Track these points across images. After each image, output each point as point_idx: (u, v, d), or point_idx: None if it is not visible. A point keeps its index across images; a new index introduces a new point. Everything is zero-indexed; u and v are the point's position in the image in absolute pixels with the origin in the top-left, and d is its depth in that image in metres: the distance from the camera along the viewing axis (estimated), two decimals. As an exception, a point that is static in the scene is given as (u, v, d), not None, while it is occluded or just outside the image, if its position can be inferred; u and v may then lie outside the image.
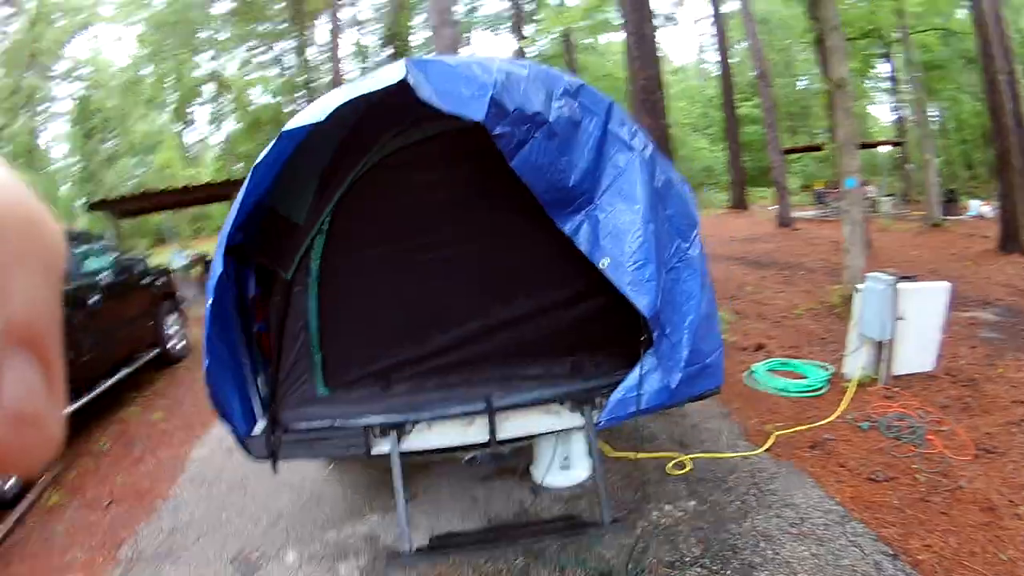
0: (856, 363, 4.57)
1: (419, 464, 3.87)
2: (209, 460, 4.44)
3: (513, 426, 2.66)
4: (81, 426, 4.94)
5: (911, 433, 3.76)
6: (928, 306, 4.36)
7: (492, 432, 2.53)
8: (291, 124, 2.08)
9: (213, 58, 20.40)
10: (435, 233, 2.60)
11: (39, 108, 20.49)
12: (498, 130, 2.01)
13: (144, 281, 6.37)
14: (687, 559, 2.89)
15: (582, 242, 2.29)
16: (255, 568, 3.22)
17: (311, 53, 21.14)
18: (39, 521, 3.76)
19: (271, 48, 21.30)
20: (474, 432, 2.61)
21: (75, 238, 5.50)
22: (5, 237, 0.22)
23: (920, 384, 4.46)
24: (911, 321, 4.32)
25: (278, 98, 21.05)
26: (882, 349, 4.41)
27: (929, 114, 16.55)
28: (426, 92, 1.93)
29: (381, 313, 2.69)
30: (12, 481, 3.85)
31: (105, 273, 5.50)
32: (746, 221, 17.03)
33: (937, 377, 4.56)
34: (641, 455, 3.88)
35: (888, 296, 4.26)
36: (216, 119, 21.88)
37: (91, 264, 5.43)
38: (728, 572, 2.76)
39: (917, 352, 4.43)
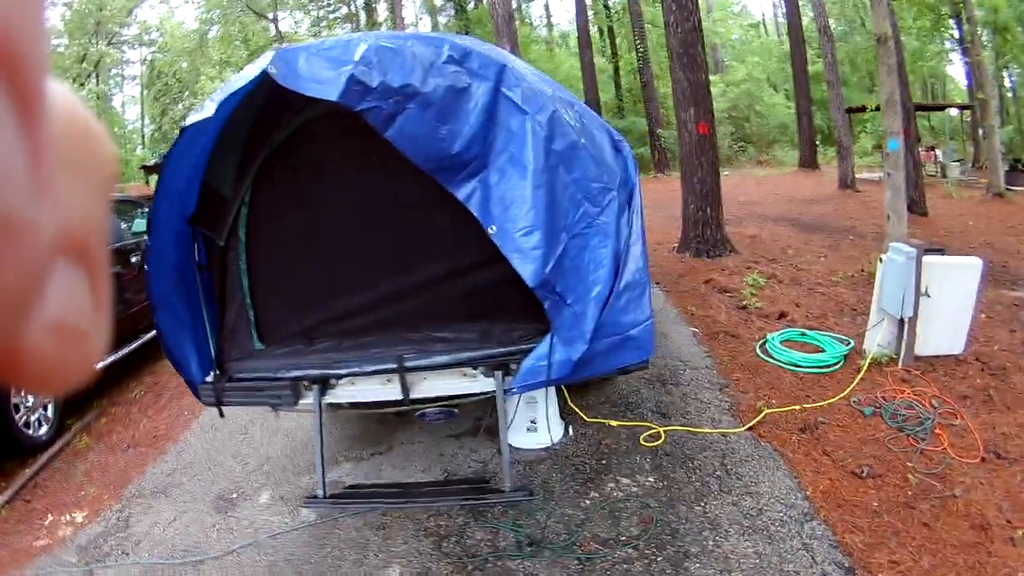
0: (874, 340, 3.97)
1: (398, 419, 3.83)
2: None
3: (429, 386, 2.57)
4: (119, 376, 5.19)
5: (917, 424, 3.21)
6: (958, 283, 3.65)
7: (404, 391, 2.49)
8: (188, 120, 2.12)
9: (273, 19, 20.53)
10: (352, 200, 2.50)
11: (110, 73, 21.25)
12: (363, 106, 1.94)
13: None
14: (623, 538, 2.61)
15: (474, 208, 2.12)
16: (231, 506, 3.29)
17: (382, 10, 20.91)
18: (67, 462, 4.04)
19: (343, 6, 21.25)
20: (393, 390, 2.55)
21: (122, 202, 5.78)
22: (63, 143, 0.21)
23: (944, 368, 3.79)
24: (938, 298, 3.65)
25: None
26: (904, 327, 3.78)
27: (1001, 78, 14.15)
28: (288, 81, 1.95)
29: (304, 275, 2.67)
30: (45, 428, 4.15)
31: (151, 233, 5.74)
32: (812, 181, 15.41)
33: (964, 362, 3.85)
34: (616, 423, 3.60)
35: (910, 269, 3.60)
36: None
37: (137, 226, 5.69)
38: (659, 558, 2.46)
39: (944, 333, 3.76)
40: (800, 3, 17.28)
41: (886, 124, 4.50)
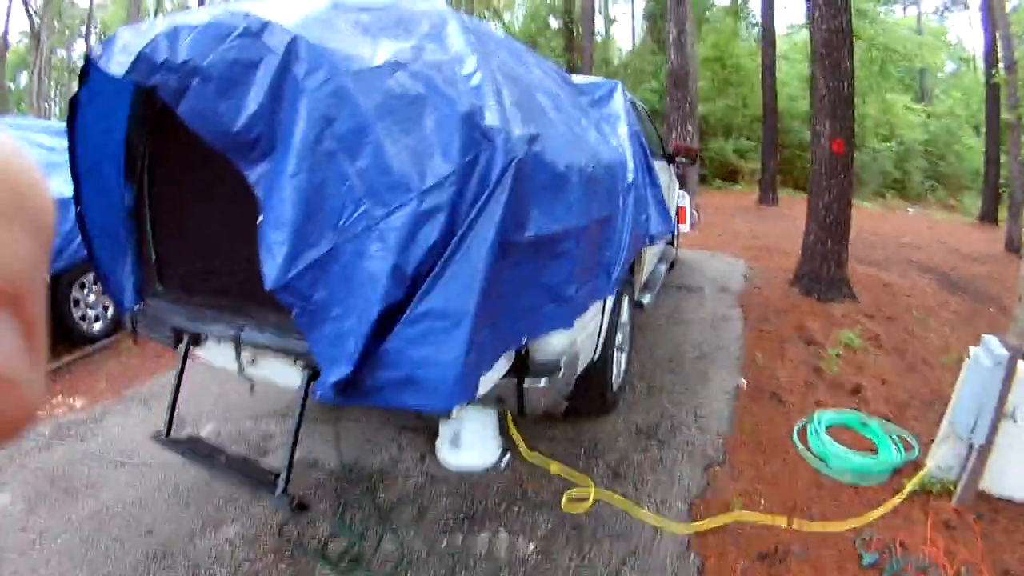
0: (935, 459, 2.77)
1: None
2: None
3: (268, 367, 2.30)
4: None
5: (926, 600, 2.13)
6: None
7: (239, 364, 2.28)
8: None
9: None
10: (220, 163, 2.26)
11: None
12: (151, 82, 1.78)
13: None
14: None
15: (259, 194, 1.74)
16: (178, 428, 3.25)
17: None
18: (106, 357, 4.46)
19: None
20: (244, 361, 2.34)
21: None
22: None
23: (1008, 519, 2.47)
24: (1036, 427, 2.39)
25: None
26: (972, 452, 2.56)
27: None
28: (102, 63, 1.88)
29: (187, 232, 2.55)
30: (100, 324, 4.59)
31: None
32: (983, 236, 12.00)
33: (1044, 522, 2.50)
34: (557, 467, 2.96)
35: (994, 380, 2.37)
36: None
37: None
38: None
39: (1032, 474, 2.47)
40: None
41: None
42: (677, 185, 7.29)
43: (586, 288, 2.49)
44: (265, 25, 1.70)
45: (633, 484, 2.84)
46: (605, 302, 2.90)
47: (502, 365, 2.12)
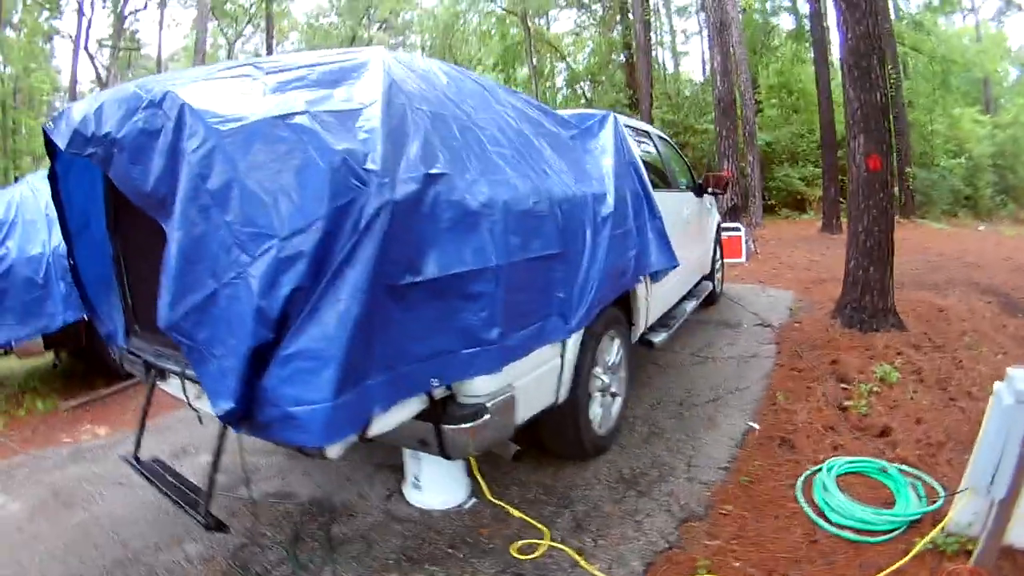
0: (954, 512, 2.26)
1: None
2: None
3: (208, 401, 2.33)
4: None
5: None
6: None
7: (186, 396, 2.38)
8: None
9: (522, 18, 20.57)
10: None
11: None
12: (85, 153, 1.99)
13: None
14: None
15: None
16: (179, 457, 3.53)
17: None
18: (137, 392, 4.69)
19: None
20: (193, 395, 2.40)
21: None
22: None
23: None
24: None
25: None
26: (993, 503, 2.06)
27: None
28: (52, 134, 2.13)
29: (148, 277, 2.67)
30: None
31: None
32: None
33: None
34: (519, 513, 2.71)
35: (1018, 420, 1.91)
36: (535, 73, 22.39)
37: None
38: None
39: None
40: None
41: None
42: (715, 217, 6.85)
43: (526, 331, 2.32)
44: (164, 95, 1.84)
45: (594, 536, 2.54)
46: (565, 344, 2.69)
47: (411, 407, 2.00)
